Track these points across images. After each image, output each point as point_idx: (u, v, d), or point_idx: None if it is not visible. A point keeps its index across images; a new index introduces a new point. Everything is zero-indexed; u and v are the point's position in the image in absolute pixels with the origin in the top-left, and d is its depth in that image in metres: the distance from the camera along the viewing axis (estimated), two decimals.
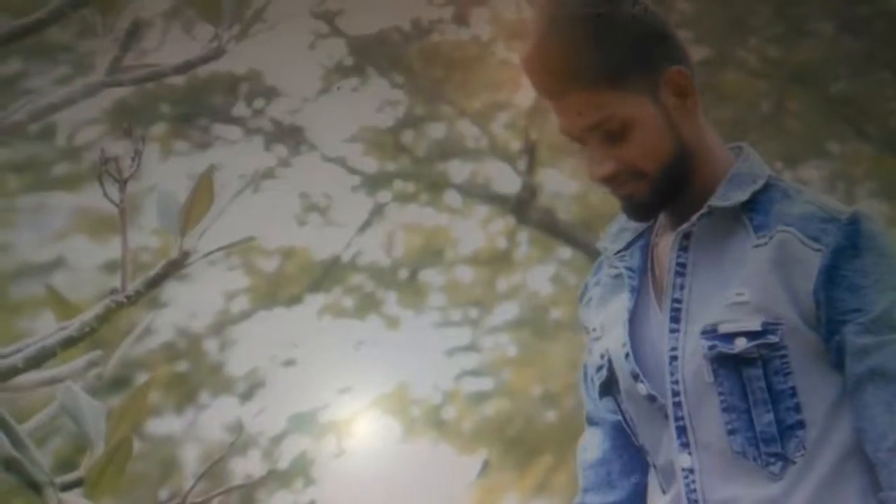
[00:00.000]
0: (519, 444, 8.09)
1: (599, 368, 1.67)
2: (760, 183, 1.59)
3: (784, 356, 1.55)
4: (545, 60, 1.53)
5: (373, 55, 6.99)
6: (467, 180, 7.61)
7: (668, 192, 1.58)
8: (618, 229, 1.67)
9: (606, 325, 1.67)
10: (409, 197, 7.62)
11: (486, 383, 8.24)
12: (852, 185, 7.27)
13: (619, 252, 1.65)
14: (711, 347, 1.55)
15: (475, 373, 8.16)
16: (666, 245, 1.62)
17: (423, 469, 8.00)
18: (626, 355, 1.62)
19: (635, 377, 1.61)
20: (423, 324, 7.86)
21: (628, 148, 1.54)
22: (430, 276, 7.91)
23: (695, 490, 1.57)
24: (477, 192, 7.62)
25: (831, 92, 6.86)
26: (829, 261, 1.54)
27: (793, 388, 1.55)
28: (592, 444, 1.78)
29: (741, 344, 1.54)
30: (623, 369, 1.62)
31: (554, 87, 1.54)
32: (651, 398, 1.60)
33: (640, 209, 1.58)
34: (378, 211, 7.53)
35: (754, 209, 1.58)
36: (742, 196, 1.57)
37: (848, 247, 1.55)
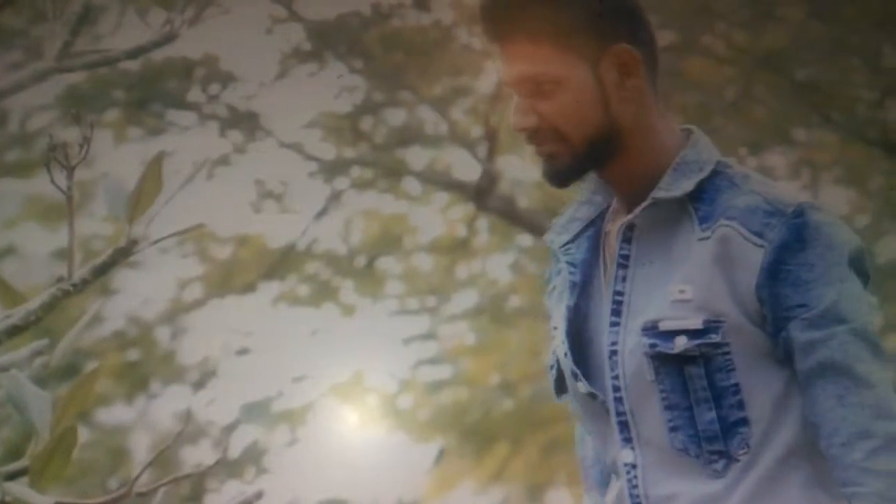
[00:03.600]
0: (476, 432, 8.12)
1: (552, 367, 1.66)
2: (707, 170, 1.56)
3: (727, 353, 1.53)
4: (496, 5, 1.55)
5: (331, 40, 6.97)
6: (427, 167, 7.62)
7: (588, 164, 1.57)
8: (566, 220, 1.66)
9: (558, 322, 1.66)
10: (367, 184, 7.61)
11: (443, 372, 8.27)
12: (818, 172, 7.32)
13: (565, 245, 1.63)
14: (652, 346, 1.53)
15: (432, 361, 8.18)
16: (615, 234, 1.61)
17: (379, 458, 8.02)
18: (566, 354, 1.61)
19: (574, 376, 1.60)
20: (380, 312, 7.87)
21: (554, 107, 1.54)
22: (388, 263, 7.91)
23: (636, 486, 1.56)
24: (436, 179, 7.63)
25: (798, 78, 6.88)
26: (773, 257, 1.52)
27: (736, 385, 1.54)
28: (585, 442, 1.73)
29: (681, 343, 1.53)
30: (566, 367, 1.62)
31: (499, 30, 1.56)
32: (592, 395, 1.59)
33: (557, 174, 1.57)
34: (335, 198, 7.52)
35: (700, 198, 1.56)
36: (687, 186, 1.55)
37: (792, 241, 1.53)
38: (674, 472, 1.56)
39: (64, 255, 1.54)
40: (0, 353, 1.49)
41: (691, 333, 1.54)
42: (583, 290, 1.63)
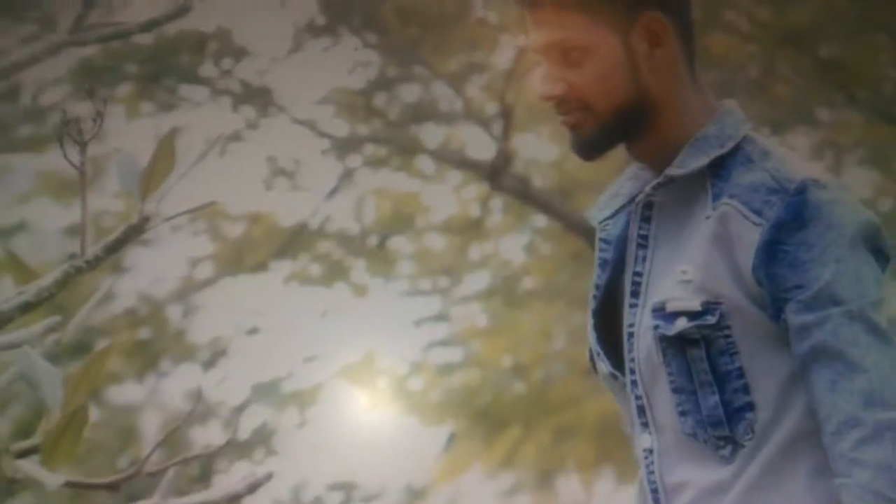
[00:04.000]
0: (486, 416, 8.13)
1: (589, 349, 1.64)
2: (729, 146, 1.53)
3: (728, 336, 1.52)
4: None
5: (346, 14, 6.95)
6: (441, 145, 7.60)
7: (615, 137, 1.54)
8: (610, 195, 1.63)
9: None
10: (380, 162, 7.61)
11: (454, 354, 8.27)
12: (841, 153, 7.27)
13: (604, 220, 1.61)
14: (656, 327, 1.53)
15: (444, 343, 8.19)
16: None
17: (389, 440, 8.04)
18: (591, 331, 1.61)
19: (597, 355, 1.60)
20: (392, 292, 7.88)
21: (581, 76, 1.52)
22: (400, 243, 7.92)
23: (653, 472, 1.55)
24: (450, 158, 7.62)
25: (822, 56, 6.82)
26: (770, 236, 1.49)
27: (740, 368, 1.52)
28: None
29: (681, 324, 1.52)
30: (593, 346, 1.61)
31: None
32: (613, 376, 1.59)
33: (584, 145, 1.55)
34: (348, 176, 7.51)
35: (719, 175, 1.53)
36: (699, 162, 1.53)
37: (790, 220, 1.50)
38: (686, 458, 1.54)
39: (76, 231, 1.54)
40: (12, 329, 1.49)
41: (690, 315, 1.52)
42: (616, 267, 1.61)
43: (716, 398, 1.52)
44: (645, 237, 1.58)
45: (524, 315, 8.39)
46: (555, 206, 7.55)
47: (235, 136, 7.14)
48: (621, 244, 1.60)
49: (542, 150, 7.87)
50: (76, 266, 1.50)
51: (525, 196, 7.54)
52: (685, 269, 1.53)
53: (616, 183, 1.63)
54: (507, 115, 7.20)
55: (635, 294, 1.58)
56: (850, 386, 1.49)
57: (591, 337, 1.61)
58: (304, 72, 7.21)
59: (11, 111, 6.76)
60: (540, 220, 8.02)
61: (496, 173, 7.34)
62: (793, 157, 1.56)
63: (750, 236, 1.51)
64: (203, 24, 6.84)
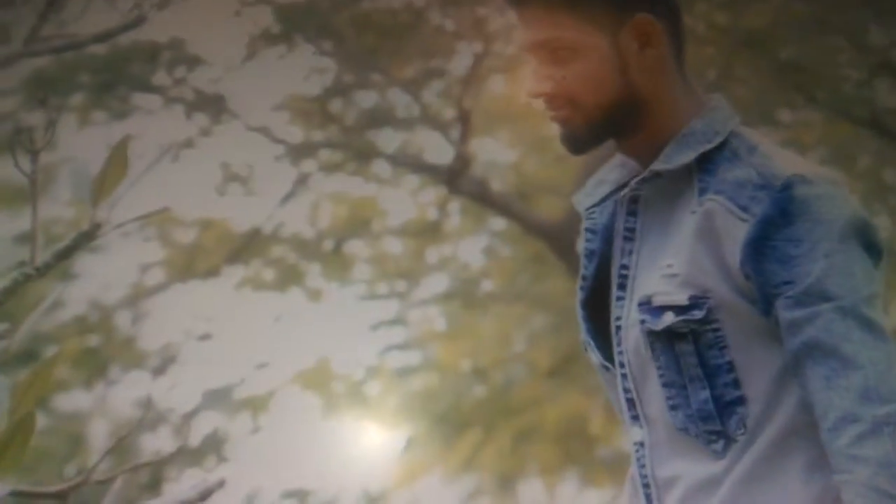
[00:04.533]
0: (446, 420, 8.14)
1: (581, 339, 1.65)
2: (716, 141, 1.55)
3: (717, 330, 1.52)
4: None
5: (301, 22, 6.98)
6: (398, 150, 7.63)
7: (603, 133, 1.56)
8: (595, 182, 1.64)
9: None
10: (336, 166, 7.63)
11: (412, 358, 8.29)
12: (803, 153, 7.31)
13: (589, 208, 1.62)
14: (643, 322, 1.53)
15: (401, 347, 8.20)
16: None
17: (345, 447, 8.04)
18: (580, 322, 1.61)
19: (587, 347, 1.61)
20: (348, 296, 7.89)
21: (569, 74, 1.55)
22: (357, 247, 7.93)
23: (644, 465, 1.56)
24: (408, 162, 7.65)
25: (781, 58, 6.91)
26: (756, 232, 1.50)
27: (730, 362, 1.52)
28: None
29: (668, 319, 1.52)
30: (582, 337, 1.62)
31: None
32: (605, 368, 1.59)
33: (572, 140, 1.57)
34: (302, 181, 7.53)
35: (706, 169, 1.55)
36: (685, 157, 1.55)
37: (776, 216, 1.50)
38: (678, 452, 1.55)
39: (26, 239, 1.57)
40: None
41: (677, 309, 1.53)
42: (602, 258, 1.62)
43: (706, 392, 1.53)
44: (631, 230, 1.59)
45: (483, 318, 8.42)
46: (514, 209, 7.60)
47: (188, 143, 7.16)
48: (608, 234, 1.61)
49: (501, 153, 7.92)
50: (25, 273, 1.52)
51: (483, 199, 7.58)
52: (670, 262, 1.54)
53: (603, 169, 1.65)
54: (464, 119, 7.24)
55: (622, 287, 1.58)
56: (845, 382, 1.49)
57: (582, 328, 1.62)
58: (258, 79, 7.23)
59: None
60: (499, 223, 8.07)
61: (454, 177, 7.39)
62: (781, 152, 1.57)
63: (736, 232, 1.51)
64: (157, 34, 6.86)
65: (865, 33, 6.78)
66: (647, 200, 1.58)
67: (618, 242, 1.60)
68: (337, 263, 7.93)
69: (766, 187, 1.52)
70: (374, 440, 8.24)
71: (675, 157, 1.56)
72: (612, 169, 1.64)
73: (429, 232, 8.10)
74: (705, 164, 1.56)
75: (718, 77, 6.96)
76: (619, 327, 1.58)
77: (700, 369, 1.54)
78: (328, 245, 7.90)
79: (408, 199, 8.03)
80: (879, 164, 7.37)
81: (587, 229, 1.62)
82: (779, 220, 1.51)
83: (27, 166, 1.44)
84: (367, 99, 7.40)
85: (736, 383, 1.53)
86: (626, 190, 1.58)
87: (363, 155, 7.57)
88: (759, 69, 6.93)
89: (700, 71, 7.47)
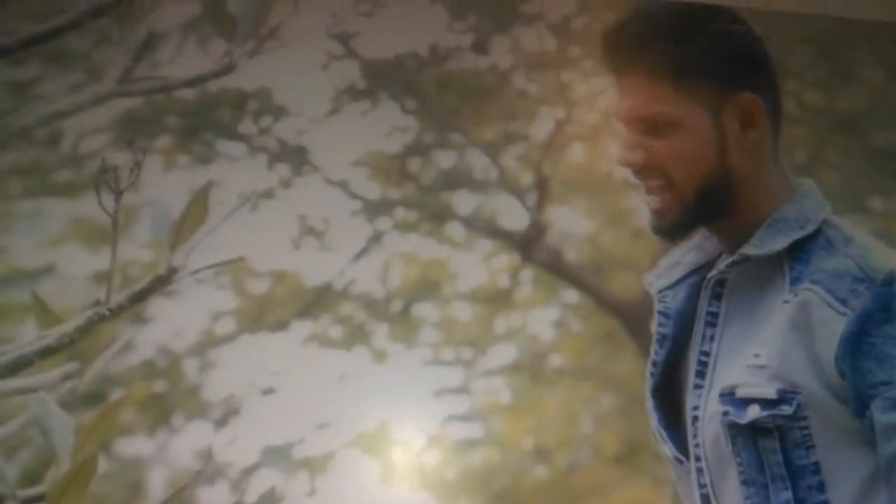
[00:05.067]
0: (504, 498, 8.07)
1: (653, 430, 1.65)
2: (810, 229, 1.56)
3: (805, 427, 1.50)
4: (622, 34, 1.57)
5: (386, 79, 7.08)
6: (473, 212, 7.66)
7: (699, 217, 1.56)
8: (670, 263, 1.63)
9: None
10: (410, 226, 7.67)
11: (474, 430, 8.23)
12: (893, 245, 7.23)
13: (662, 290, 1.61)
14: (725, 413, 1.51)
15: (464, 418, 8.16)
16: None
17: None
18: (651, 413, 1.60)
19: (660, 437, 1.59)
20: (413, 360, 7.88)
21: (665, 147, 1.55)
22: (425, 310, 7.94)
23: None
24: (482, 226, 7.67)
25: (876, 143, 6.85)
26: (856, 327, 1.49)
27: (815, 463, 1.50)
28: None
29: (753, 413, 1.50)
30: (652, 429, 1.62)
31: (619, 63, 1.57)
32: (678, 460, 1.58)
33: (666, 230, 1.57)
34: (376, 238, 7.58)
35: (798, 258, 1.55)
36: (779, 244, 1.54)
37: (878, 311, 1.50)
38: None
39: (102, 278, 1.59)
40: (31, 373, 1.53)
41: (764, 403, 1.50)
42: (675, 343, 1.60)
43: (788, 494, 1.50)
44: (715, 315, 1.57)
45: (550, 394, 8.36)
46: (587, 282, 7.57)
47: (268, 194, 7.26)
48: (681, 319, 1.60)
49: (577, 223, 7.91)
50: (99, 313, 1.54)
51: (557, 269, 7.57)
52: (758, 352, 1.52)
53: (678, 250, 1.65)
54: (542, 186, 7.26)
55: (701, 375, 1.56)
56: None
57: (653, 418, 1.61)
58: (341, 133, 7.32)
59: (51, 156, 6.95)
60: (571, 296, 8.04)
61: (528, 244, 7.39)
62: (877, 243, 1.58)
63: (833, 326, 1.51)
64: (245, 82, 7.00)
65: None
66: (733, 285, 1.57)
67: (698, 327, 1.57)
68: (404, 325, 7.95)
69: (867, 280, 1.52)
70: None
71: (768, 243, 1.55)
72: (688, 251, 1.63)
73: (499, 299, 8.10)
74: (797, 252, 1.55)
75: (808, 160, 6.92)
76: (696, 417, 1.56)
77: (784, 468, 1.50)
78: (397, 306, 7.93)
79: (479, 264, 8.05)
80: None
81: (660, 312, 1.61)
82: (879, 317, 1.50)
83: (110, 206, 1.46)
84: (445, 159, 7.47)
85: (821, 486, 1.50)
86: (713, 272, 1.57)
87: (438, 216, 7.61)
88: (851, 153, 6.88)
89: (789, 152, 7.39)
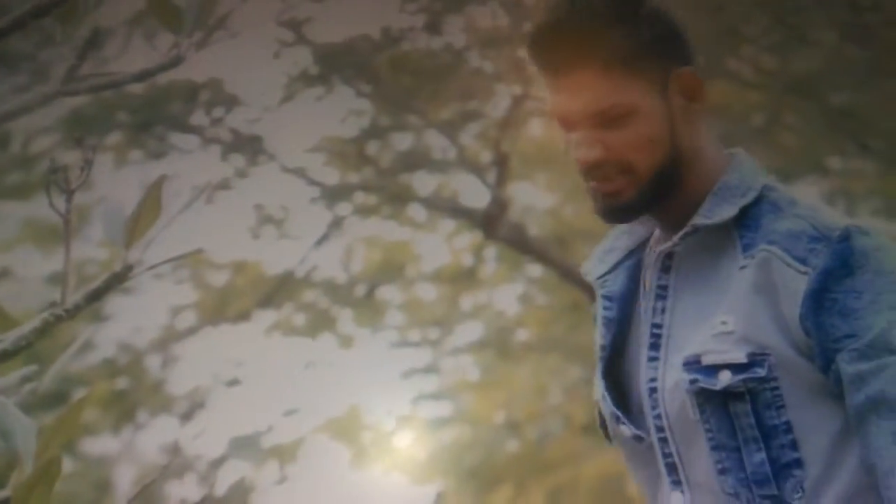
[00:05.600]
0: (477, 474, 8.10)
1: (597, 412, 1.62)
2: (751, 196, 1.54)
3: (775, 388, 1.50)
4: (561, 31, 1.52)
5: (339, 64, 7.05)
6: (433, 193, 7.66)
7: (654, 197, 1.53)
8: (605, 249, 1.62)
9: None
10: (371, 210, 7.66)
11: (445, 408, 8.27)
12: (853, 203, 7.29)
13: (602, 276, 1.60)
14: (693, 381, 1.50)
15: (433, 397, 8.19)
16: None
17: (373, 499, 8.02)
18: (603, 396, 1.58)
19: (616, 419, 1.58)
20: (380, 343, 7.89)
21: (622, 136, 1.51)
22: (389, 293, 7.94)
23: None
24: (443, 206, 7.67)
25: (832, 103, 6.86)
26: (817, 284, 1.49)
27: (787, 422, 1.50)
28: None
29: (725, 378, 1.49)
30: (606, 412, 1.59)
31: (565, 61, 1.52)
32: (638, 438, 1.56)
33: (621, 211, 1.54)
34: (337, 224, 7.57)
35: (745, 225, 1.53)
36: (729, 212, 1.53)
37: (838, 267, 1.50)
38: None
39: (58, 279, 1.58)
40: None
41: (735, 368, 1.51)
42: (620, 325, 1.59)
43: (762, 455, 1.51)
44: (664, 288, 1.57)
45: (518, 368, 8.39)
46: (551, 255, 7.59)
47: (224, 185, 7.23)
48: (624, 301, 1.59)
49: (538, 197, 7.93)
50: (56, 314, 1.53)
51: (520, 245, 7.58)
52: (725, 319, 1.51)
53: (609, 237, 1.63)
54: (502, 162, 7.26)
55: (655, 347, 1.56)
56: None
57: (606, 401, 1.59)
58: (295, 120, 7.30)
59: (0, 159, 6.91)
60: (535, 270, 8.06)
61: (490, 221, 7.39)
62: (820, 204, 1.57)
63: (795, 284, 1.50)
64: (195, 74, 6.96)
65: None
66: (682, 258, 1.56)
67: (647, 302, 1.57)
68: (369, 309, 7.94)
69: (823, 239, 1.51)
70: (402, 493, 8.21)
71: (717, 212, 1.55)
72: (620, 235, 1.63)
73: (463, 278, 8.11)
74: (743, 219, 1.55)
75: (766, 123, 6.94)
76: (653, 389, 1.55)
77: (756, 430, 1.51)
78: (361, 290, 7.92)
79: (442, 244, 8.05)
80: None
81: (604, 296, 1.60)
82: (839, 272, 1.50)
83: (61, 206, 1.46)
84: (403, 141, 7.45)
85: (793, 444, 1.51)
86: (666, 245, 1.56)
87: (398, 198, 7.60)
88: (808, 115, 6.89)
89: (746, 116, 7.45)
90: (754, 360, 1.51)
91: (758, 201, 1.56)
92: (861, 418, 1.50)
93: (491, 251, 8.05)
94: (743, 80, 7.02)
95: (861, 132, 6.88)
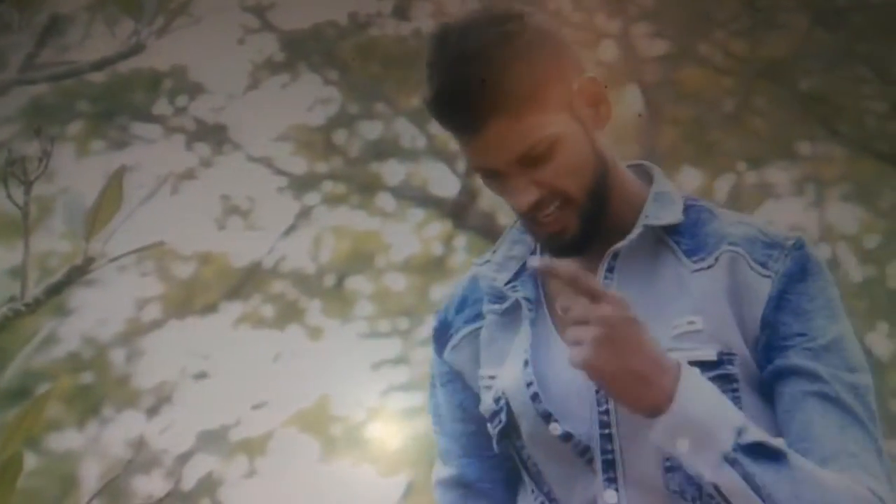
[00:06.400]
0: None
1: (494, 416, 1.62)
2: (680, 203, 1.59)
3: (735, 389, 1.53)
4: (459, 94, 1.50)
5: (305, 50, 7.01)
6: (402, 182, 7.65)
7: (596, 217, 1.55)
8: (503, 258, 1.63)
9: (499, 368, 1.62)
10: (339, 199, 7.64)
11: (415, 399, 8.28)
12: (824, 188, 7.33)
13: (509, 283, 1.60)
14: None
15: (404, 388, 8.19)
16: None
17: (343, 492, 8.02)
18: (534, 396, 1.59)
19: (546, 418, 1.58)
20: (349, 335, 7.89)
21: (551, 168, 1.51)
22: (359, 283, 7.93)
23: None
24: (412, 195, 7.66)
25: (802, 88, 6.88)
26: (780, 287, 1.54)
27: None
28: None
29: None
30: (527, 412, 1.59)
31: (472, 122, 1.51)
32: (566, 437, 1.58)
33: (570, 248, 1.55)
34: (305, 214, 7.55)
35: (679, 232, 1.57)
36: (673, 217, 1.57)
37: (797, 272, 1.56)
38: None
39: (18, 273, 1.56)
40: None
41: (706, 365, 1.53)
42: (539, 327, 1.61)
43: None
44: (608, 287, 1.58)
45: None
46: None
47: (188, 174, 7.19)
48: (538, 304, 1.61)
49: None
50: (14, 309, 1.51)
51: (490, 233, 7.59)
52: (692, 319, 1.55)
53: (503, 247, 1.65)
54: None
55: None
56: (862, 436, 1.54)
57: (539, 402, 1.59)
58: (261, 109, 7.27)
59: None
60: None
61: (460, 210, 7.40)
62: (737, 213, 1.62)
63: (758, 286, 1.55)
64: (158, 62, 6.91)
65: (891, 64, 6.77)
66: (623, 260, 1.58)
67: (554, 307, 1.58)
68: (338, 300, 7.93)
69: (776, 246, 1.57)
70: (373, 485, 8.22)
71: (665, 214, 1.58)
72: (514, 245, 1.64)
73: (433, 267, 8.11)
74: (676, 226, 1.58)
75: (737, 108, 6.95)
76: (599, 389, 1.56)
77: None
78: (329, 281, 7.90)
79: (412, 234, 8.04)
80: None
81: (525, 299, 1.61)
82: (797, 276, 1.56)
83: (20, 198, 1.44)
84: (372, 129, 7.43)
85: None
86: (622, 242, 1.57)
87: (367, 187, 7.59)
88: (778, 100, 6.91)
89: (717, 102, 7.46)
90: (723, 359, 1.54)
91: (686, 210, 1.59)
92: (805, 404, 1.54)
93: (461, 240, 8.05)
94: (714, 66, 7.03)
95: (831, 117, 6.91)
